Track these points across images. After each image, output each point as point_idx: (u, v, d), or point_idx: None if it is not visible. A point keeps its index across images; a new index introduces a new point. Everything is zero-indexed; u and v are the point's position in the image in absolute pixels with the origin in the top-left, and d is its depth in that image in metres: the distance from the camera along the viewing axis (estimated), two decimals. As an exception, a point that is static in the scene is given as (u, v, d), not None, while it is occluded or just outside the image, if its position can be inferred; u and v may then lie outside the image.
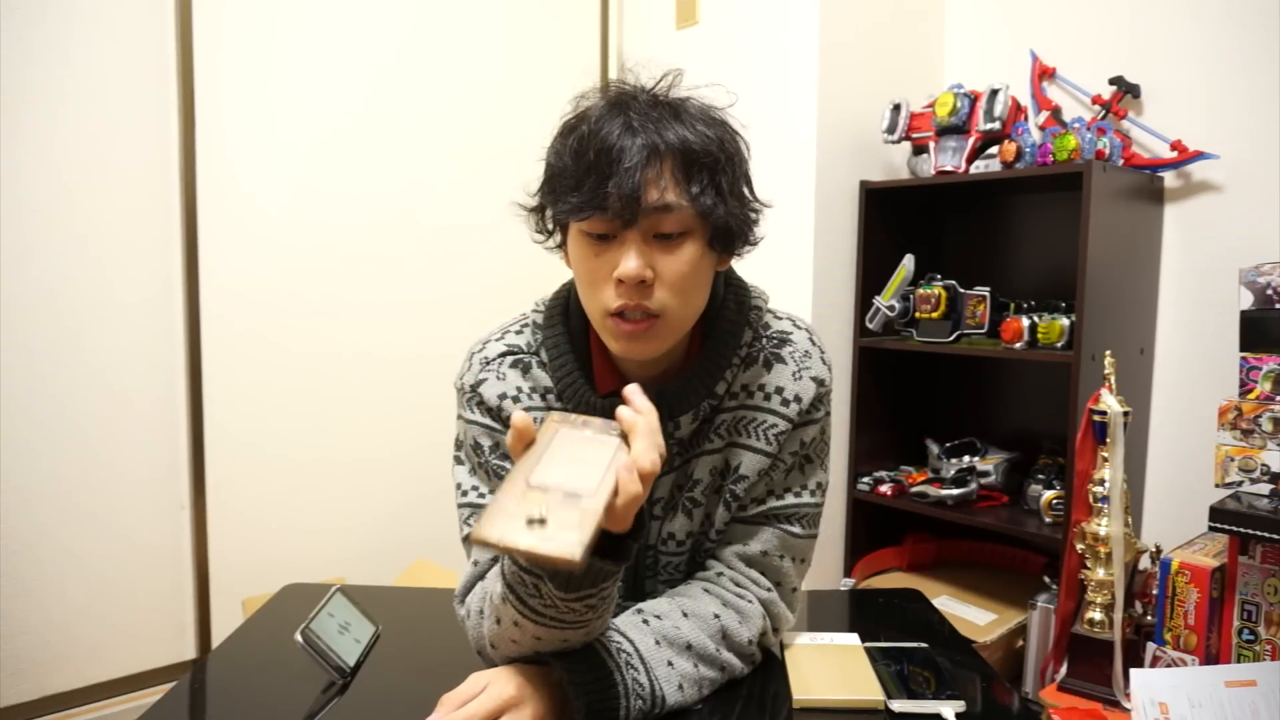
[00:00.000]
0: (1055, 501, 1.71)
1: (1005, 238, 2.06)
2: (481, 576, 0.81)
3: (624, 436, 0.64)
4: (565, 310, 0.85)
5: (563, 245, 0.82)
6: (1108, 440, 1.39)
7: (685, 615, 0.78)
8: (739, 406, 0.83)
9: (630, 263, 0.72)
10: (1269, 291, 1.36)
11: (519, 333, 0.87)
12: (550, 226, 0.81)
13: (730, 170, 0.76)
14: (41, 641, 1.57)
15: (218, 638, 1.74)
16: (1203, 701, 1.14)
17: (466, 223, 2.07)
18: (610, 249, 0.74)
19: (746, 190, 0.79)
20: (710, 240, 0.76)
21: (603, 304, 0.75)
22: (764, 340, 0.85)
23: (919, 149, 1.92)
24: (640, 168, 0.70)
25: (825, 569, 1.99)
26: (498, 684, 0.68)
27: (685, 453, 0.84)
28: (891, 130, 1.92)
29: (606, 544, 0.65)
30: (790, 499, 0.85)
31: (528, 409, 0.83)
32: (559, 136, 0.77)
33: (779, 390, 0.83)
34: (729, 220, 0.75)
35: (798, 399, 0.82)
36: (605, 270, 0.74)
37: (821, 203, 1.92)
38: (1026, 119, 1.85)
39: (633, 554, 0.67)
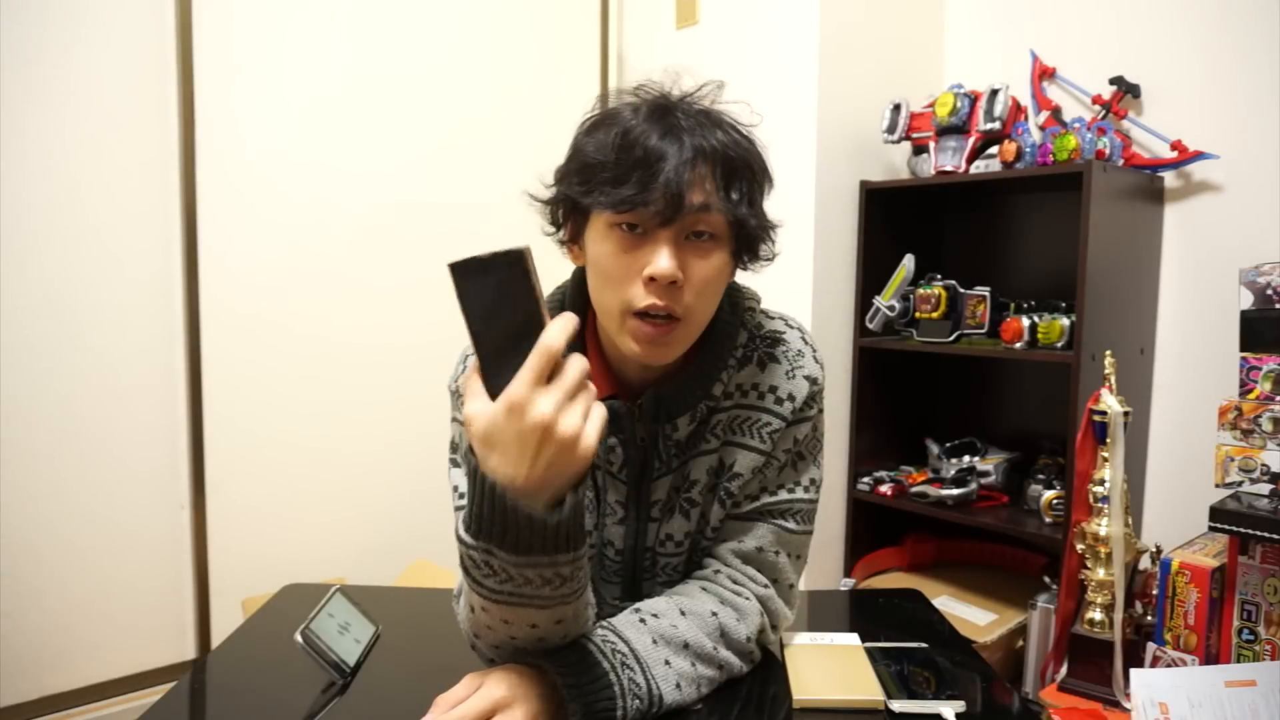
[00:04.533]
0: (1055, 501, 1.71)
1: (1005, 238, 2.06)
2: None
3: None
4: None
5: (570, 242, 0.81)
6: (1108, 440, 1.39)
7: (683, 613, 0.78)
8: (734, 406, 0.84)
9: (665, 262, 0.72)
10: (1269, 291, 1.36)
11: None
12: (562, 219, 0.81)
13: (761, 184, 0.78)
14: (41, 641, 1.57)
15: (218, 638, 1.74)
16: (1202, 701, 1.14)
17: (467, 221, 2.07)
18: (641, 247, 0.74)
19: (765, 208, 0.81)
20: (735, 250, 0.78)
21: (627, 301, 0.75)
22: (758, 340, 0.85)
23: (919, 149, 1.92)
24: (688, 167, 0.72)
25: (825, 569, 1.99)
26: (490, 684, 0.68)
27: (682, 454, 0.84)
28: (891, 130, 1.92)
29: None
30: (784, 494, 0.85)
31: None
32: (592, 130, 0.77)
33: (773, 389, 0.83)
34: (756, 231, 0.78)
35: (791, 397, 0.83)
36: (635, 267, 0.74)
37: (821, 202, 1.92)
38: (1026, 119, 1.85)
39: (576, 500, 0.62)
